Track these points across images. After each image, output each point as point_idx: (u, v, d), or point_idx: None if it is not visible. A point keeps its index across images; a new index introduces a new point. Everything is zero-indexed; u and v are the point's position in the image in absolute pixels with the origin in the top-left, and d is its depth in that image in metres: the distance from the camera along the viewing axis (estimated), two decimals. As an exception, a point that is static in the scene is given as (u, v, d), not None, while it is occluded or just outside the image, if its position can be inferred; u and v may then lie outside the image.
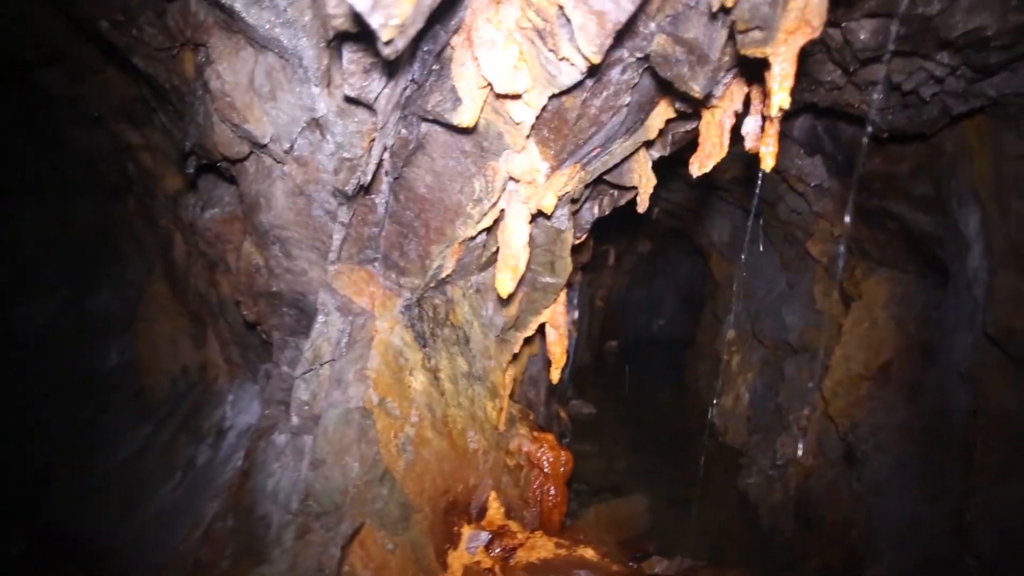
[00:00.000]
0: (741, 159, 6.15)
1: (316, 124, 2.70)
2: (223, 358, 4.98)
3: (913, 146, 4.22)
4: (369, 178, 2.69)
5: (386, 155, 2.74)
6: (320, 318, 3.26)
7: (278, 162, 2.95)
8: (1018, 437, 3.59)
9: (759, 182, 2.92)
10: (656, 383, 11.56)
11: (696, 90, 2.27)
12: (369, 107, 2.38)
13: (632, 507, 5.05)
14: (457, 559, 2.96)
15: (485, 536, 3.01)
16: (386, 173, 2.84)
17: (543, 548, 2.87)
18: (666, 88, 2.49)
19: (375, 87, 2.26)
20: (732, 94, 2.58)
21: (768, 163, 2.25)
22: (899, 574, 4.41)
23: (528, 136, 2.63)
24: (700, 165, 2.69)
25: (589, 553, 2.83)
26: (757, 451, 6.76)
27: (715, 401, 8.38)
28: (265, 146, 2.79)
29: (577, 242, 4.19)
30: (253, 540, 3.25)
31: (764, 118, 2.49)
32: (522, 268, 2.97)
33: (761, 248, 7.87)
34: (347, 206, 2.89)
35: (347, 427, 3.03)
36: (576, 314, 7.74)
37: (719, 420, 8.13)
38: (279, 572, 2.92)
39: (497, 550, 2.94)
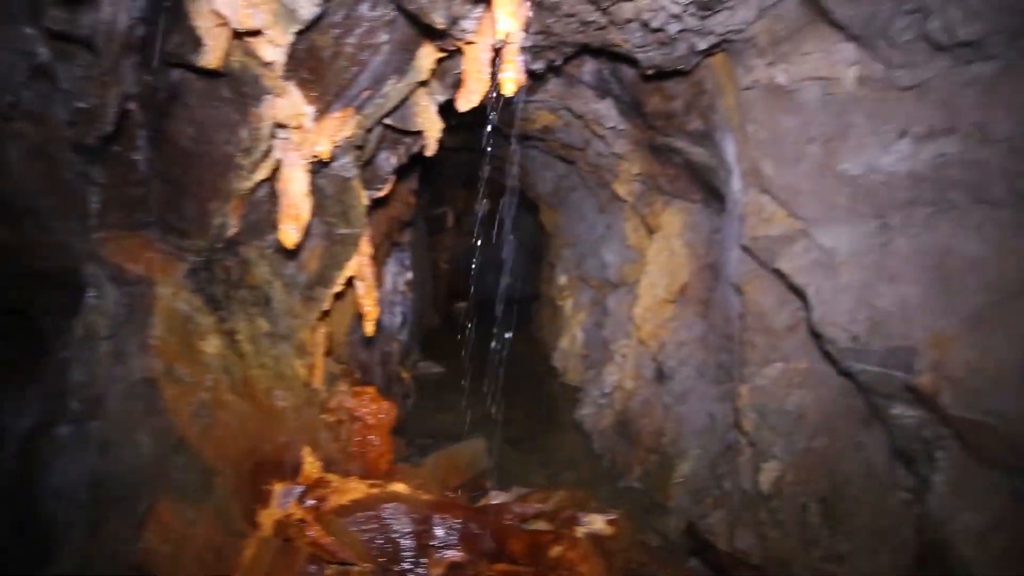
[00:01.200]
0: (548, 108, 6.45)
1: (42, 72, 2.43)
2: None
3: (682, 84, 4.67)
4: (111, 128, 2.48)
5: (133, 105, 2.55)
6: (91, 292, 3.00)
7: (6, 119, 2.63)
8: (771, 330, 4.21)
9: (506, 109, 3.08)
10: (504, 338, 11.98)
11: (439, 22, 2.35)
12: (89, 47, 2.19)
13: (469, 450, 5.24)
14: (268, 516, 2.93)
15: (298, 489, 3.00)
16: (139, 126, 2.64)
17: (356, 490, 2.92)
18: (415, 23, 2.54)
19: (86, 22, 2.08)
20: (486, 28, 2.69)
21: (509, 88, 2.39)
22: (701, 465, 5.04)
23: (286, 78, 2.57)
24: (466, 100, 2.80)
25: (400, 487, 2.93)
26: (591, 385, 7.28)
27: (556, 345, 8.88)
28: (-19, 100, 2.47)
29: (380, 194, 4.19)
30: (33, 549, 2.98)
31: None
32: (305, 217, 2.93)
33: (579, 195, 8.36)
34: (100, 164, 2.65)
35: (133, 402, 2.85)
36: (410, 275, 7.77)
37: (559, 362, 8.64)
38: (67, 572, 2.71)
39: (311, 501, 2.94)
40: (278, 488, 3.01)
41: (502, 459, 5.97)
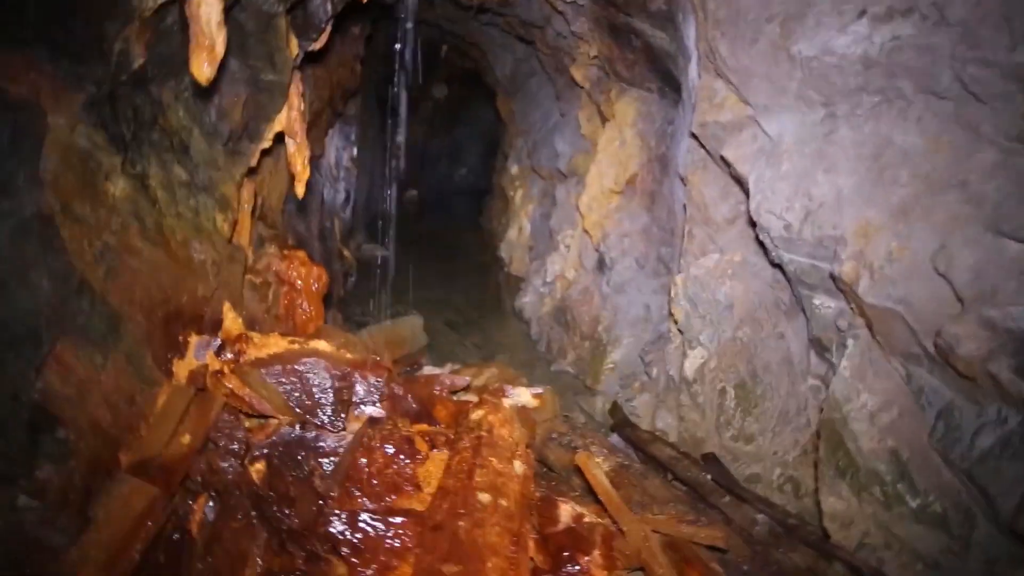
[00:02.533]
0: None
1: None
2: None
3: (649, -45, 4.35)
4: None
5: None
6: (-32, 115, 2.69)
7: None
8: (711, 222, 4.22)
9: None
10: (455, 229, 11.84)
11: None
12: None
13: (407, 326, 5.22)
14: (184, 367, 2.86)
15: (215, 343, 2.91)
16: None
17: (275, 345, 2.86)
18: None
19: None
20: None
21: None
22: (632, 353, 5.20)
23: None
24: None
25: (322, 345, 2.88)
26: (534, 275, 7.31)
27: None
28: None
29: (316, 45, 3.85)
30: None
31: None
32: (219, 50, 2.65)
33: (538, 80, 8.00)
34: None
35: (26, 239, 2.63)
36: (355, 151, 7.42)
37: (505, 252, 8.61)
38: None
39: (229, 355, 2.87)
40: (194, 340, 2.92)
41: (440, 340, 6.04)
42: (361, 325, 6.16)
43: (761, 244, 3.66)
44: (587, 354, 5.58)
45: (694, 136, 4.14)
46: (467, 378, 4.10)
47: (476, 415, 3.06)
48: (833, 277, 2.95)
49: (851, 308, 3.01)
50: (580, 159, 6.71)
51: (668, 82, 5.26)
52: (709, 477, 3.44)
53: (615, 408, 4.52)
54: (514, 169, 8.56)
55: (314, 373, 2.76)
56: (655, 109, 5.52)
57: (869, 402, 2.86)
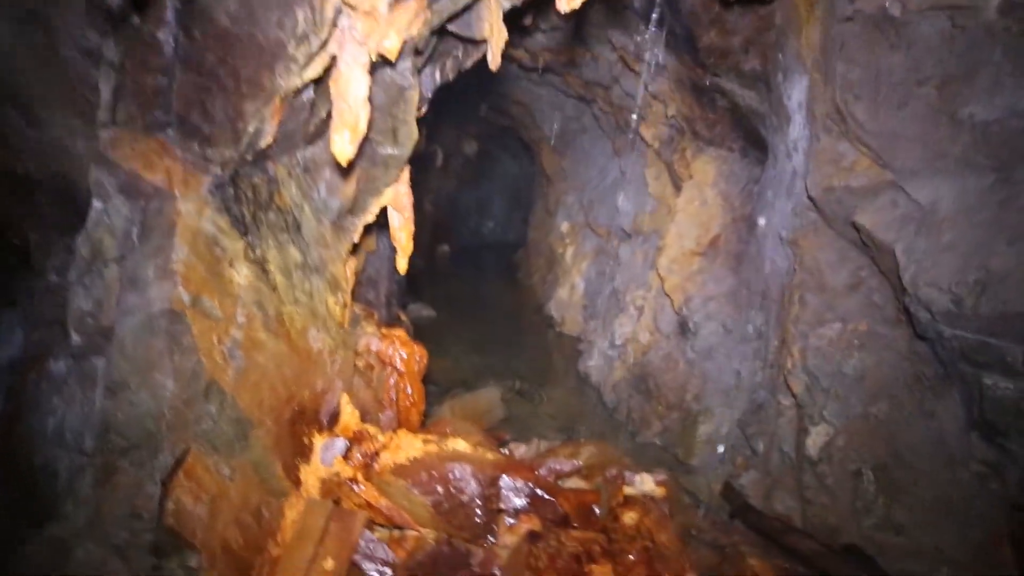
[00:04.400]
0: (580, 40, 5.91)
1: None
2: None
3: (747, 17, 4.25)
4: None
5: (164, -40, 2.00)
6: (97, 204, 2.48)
7: (-8, -28, 2.04)
8: (827, 289, 3.97)
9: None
10: (491, 284, 11.63)
11: None
12: None
13: (486, 398, 4.95)
14: (312, 473, 2.55)
15: (342, 444, 2.62)
16: (168, -12, 2.09)
17: (410, 447, 2.56)
18: None
19: None
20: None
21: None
22: (728, 424, 4.86)
23: (364, -56, 2.05)
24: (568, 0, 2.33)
25: (462, 445, 2.59)
26: (595, 335, 7.02)
27: (552, 294, 8.56)
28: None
29: (419, 115, 3.68)
30: (33, 496, 2.54)
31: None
32: (363, 127, 2.45)
33: (585, 138, 7.91)
34: (115, 39, 2.10)
35: (152, 337, 2.38)
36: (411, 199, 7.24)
37: (555, 312, 8.35)
38: (76, 528, 2.30)
39: (358, 457, 2.57)
40: (319, 441, 2.63)
41: (511, 409, 5.71)
42: (431, 395, 5.86)
43: (905, 314, 3.40)
44: (675, 425, 5.24)
45: (811, 199, 3.93)
46: (572, 460, 3.78)
47: (629, 518, 2.74)
48: (1026, 359, 2.67)
49: (1041, 391, 2.72)
50: (646, 217, 6.53)
51: (752, 141, 5.11)
52: (869, 577, 3.09)
53: (729, 490, 4.17)
54: (564, 226, 8.38)
55: (462, 480, 2.46)
56: (737, 168, 5.35)
57: (1082, 501, 2.54)
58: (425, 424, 3.78)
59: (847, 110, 3.44)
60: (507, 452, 4.23)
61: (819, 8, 3.64)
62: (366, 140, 3.08)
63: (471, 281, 11.63)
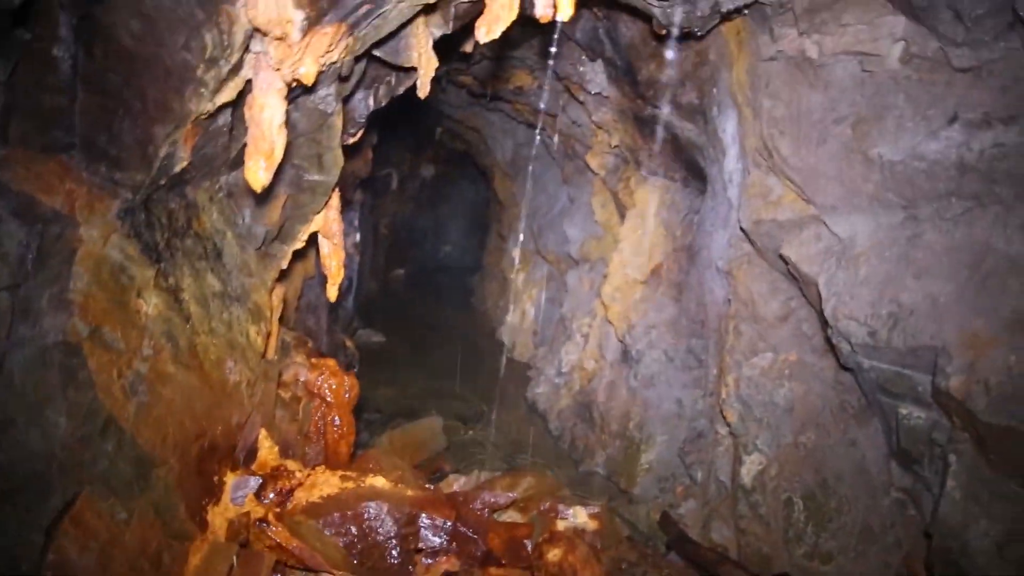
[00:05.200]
0: (526, 67, 5.98)
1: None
2: None
3: (683, 52, 4.36)
4: (16, 2, 1.85)
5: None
6: (-12, 228, 2.34)
7: None
8: (760, 319, 4.04)
9: (555, 38, 2.65)
10: (445, 308, 11.53)
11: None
12: None
13: (426, 429, 4.84)
14: (220, 514, 2.43)
15: (254, 482, 2.51)
16: (62, 6, 2.01)
17: (326, 484, 2.47)
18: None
19: None
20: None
21: (566, 11, 1.97)
22: (669, 453, 4.87)
23: (274, -30, 2.02)
24: (488, 30, 2.34)
25: (380, 482, 2.51)
26: (544, 362, 7.00)
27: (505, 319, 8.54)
28: None
29: (352, 140, 3.64)
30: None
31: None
32: (278, 154, 2.40)
33: (536, 165, 7.98)
34: (1, 55, 2.01)
35: (45, 371, 2.25)
36: (358, 237, 7.17)
37: (507, 337, 8.31)
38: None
39: (271, 495, 2.46)
40: (231, 479, 2.51)
41: (454, 437, 5.61)
42: (371, 424, 5.72)
43: (829, 344, 3.47)
44: (618, 454, 5.23)
45: (743, 231, 4.01)
46: (508, 493, 3.71)
47: (553, 555, 2.68)
48: (937, 389, 2.74)
49: (952, 422, 2.79)
50: (593, 244, 6.58)
51: (693, 172, 5.22)
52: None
53: (666, 520, 4.15)
54: (515, 252, 8.40)
55: (377, 519, 2.37)
56: (679, 198, 5.45)
57: (992, 531, 2.60)
58: (356, 456, 3.67)
59: (773, 145, 3.54)
60: (443, 484, 4.14)
61: (747, 46, 3.76)
62: (290, 166, 3.02)
63: (425, 306, 11.52)
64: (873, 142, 2.95)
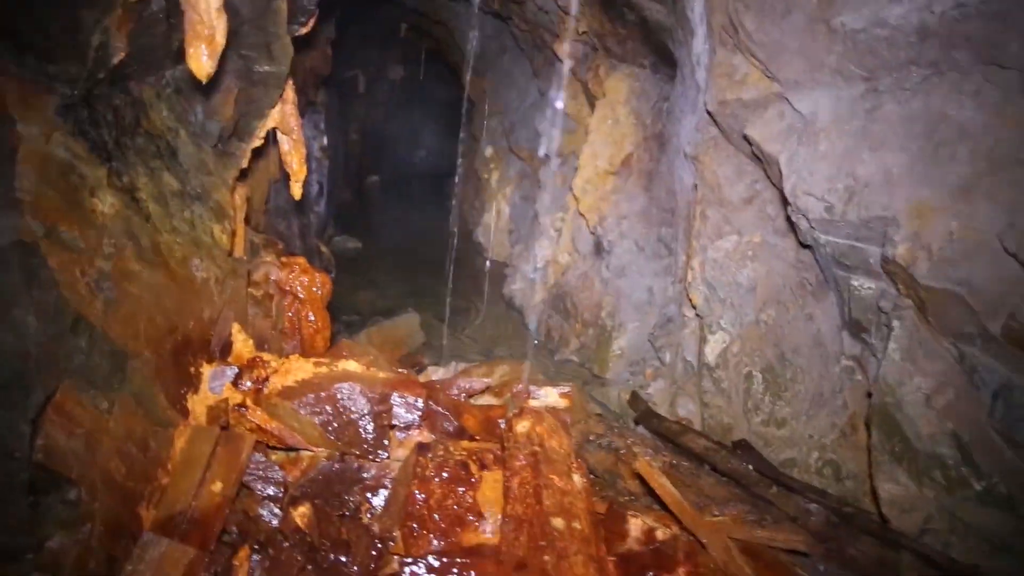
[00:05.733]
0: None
1: None
2: None
3: (648, -78, 4.12)
4: None
5: None
6: (-77, 129, 2.27)
7: None
8: (725, 203, 4.09)
9: None
10: (421, 214, 11.47)
11: None
12: None
13: (405, 325, 4.97)
14: (200, 402, 2.54)
15: (231, 371, 2.61)
16: None
17: (300, 370, 2.57)
18: None
19: None
20: None
21: None
22: (640, 338, 5.08)
23: None
24: None
25: (352, 366, 2.61)
26: (519, 260, 7.09)
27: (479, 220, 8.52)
28: None
29: (304, 30, 3.48)
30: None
31: None
32: (220, 39, 2.30)
33: (511, 58, 7.69)
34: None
35: (4, 272, 2.25)
36: (326, 140, 6.99)
37: (483, 238, 8.34)
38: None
39: (248, 384, 2.57)
40: (208, 370, 2.61)
41: (433, 335, 5.77)
42: (350, 325, 5.85)
43: (790, 224, 3.55)
44: (591, 342, 5.43)
45: (709, 114, 3.98)
46: (485, 380, 3.88)
47: (522, 427, 2.85)
48: (885, 259, 2.85)
49: (897, 289, 2.92)
50: (565, 138, 6.48)
51: (663, 57, 5.08)
52: (751, 467, 3.36)
53: (635, 398, 4.39)
54: (488, 151, 8.26)
55: (350, 399, 2.49)
56: (649, 85, 5.34)
57: (923, 385, 2.80)
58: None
59: (738, 20, 3.44)
60: (421, 376, 4.31)
61: (714, -87, 3.56)
62: (237, 56, 2.91)
63: (401, 211, 11.45)
64: (837, 10, 2.88)
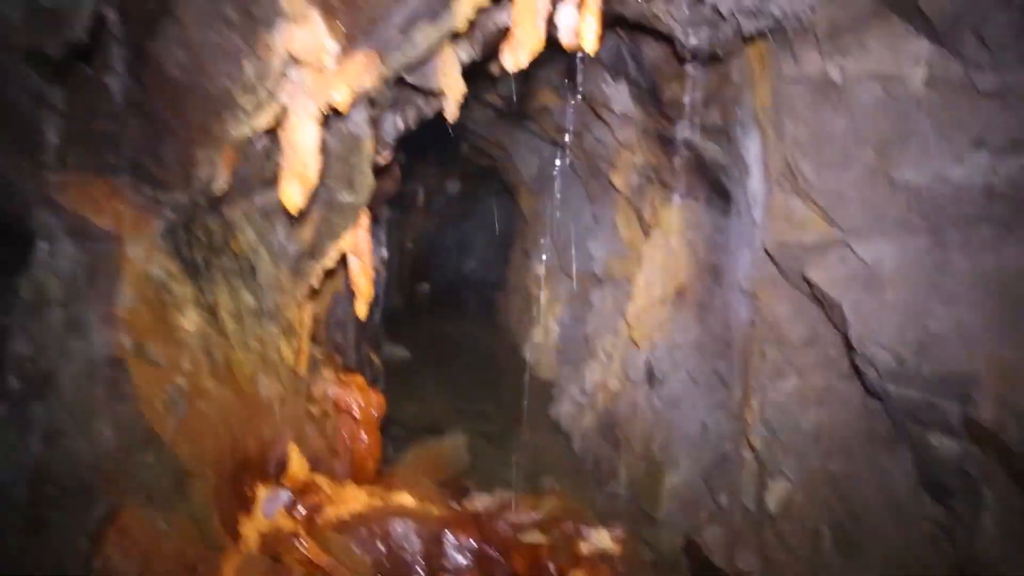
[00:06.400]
0: (551, 87, 6.07)
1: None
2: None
3: (708, 73, 4.39)
4: (85, 36, 1.98)
5: (111, 12, 2.03)
6: (43, 245, 2.47)
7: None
8: (785, 342, 4.01)
9: (579, 68, 2.72)
10: (469, 323, 11.62)
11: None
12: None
13: (450, 446, 4.89)
14: (252, 526, 2.50)
15: (286, 495, 2.58)
16: (117, 42, 2.13)
17: (355, 500, 2.53)
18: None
19: None
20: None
21: (590, 42, 2.03)
22: (693, 476, 4.84)
23: (310, 1, 2.12)
24: (514, 58, 2.41)
25: (407, 499, 2.56)
26: (567, 381, 7.01)
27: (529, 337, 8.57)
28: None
29: (382, 162, 3.75)
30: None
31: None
32: (313, 177, 2.49)
33: (564, 182, 8.05)
34: (62, 87, 2.13)
35: (93, 384, 2.35)
36: (385, 253, 7.28)
37: (530, 354, 8.34)
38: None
39: (302, 510, 2.53)
40: (262, 492, 2.58)
41: (478, 455, 5.64)
42: (396, 439, 5.78)
43: (855, 370, 3.44)
44: (641, 475, 5.20)
45: (767, 252, 4.01)
46: (531, 514, 3.74)
47: (575, 576, 2.69)
48: (967, 419, 2.70)
49: (985, 454, 2.74)
50: (618, 263, 6.60)
51: (718, 192, 5.23)
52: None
53: (691, 547, 4.12)
54: (539, 269, 8.45)
55: (404, 538, 2.42)
56: (704, 218, 5.45)
57: (1028, 566, 2.54)
58: (382, 472, 3.73)
59: (797, 167, 3.54)
60: (465, 504, 4.17)
61: (770, 68, 3.78)
62: (323, 187, 3.12)
63: (449, 321, 11.62)
64: (898, 166, 2.95)
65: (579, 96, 5.58)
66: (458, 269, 14.57)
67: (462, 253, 14.92)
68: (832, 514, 3.56)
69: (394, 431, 6.05)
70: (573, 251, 7.70)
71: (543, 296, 8.37)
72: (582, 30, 2.05)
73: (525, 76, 5.72)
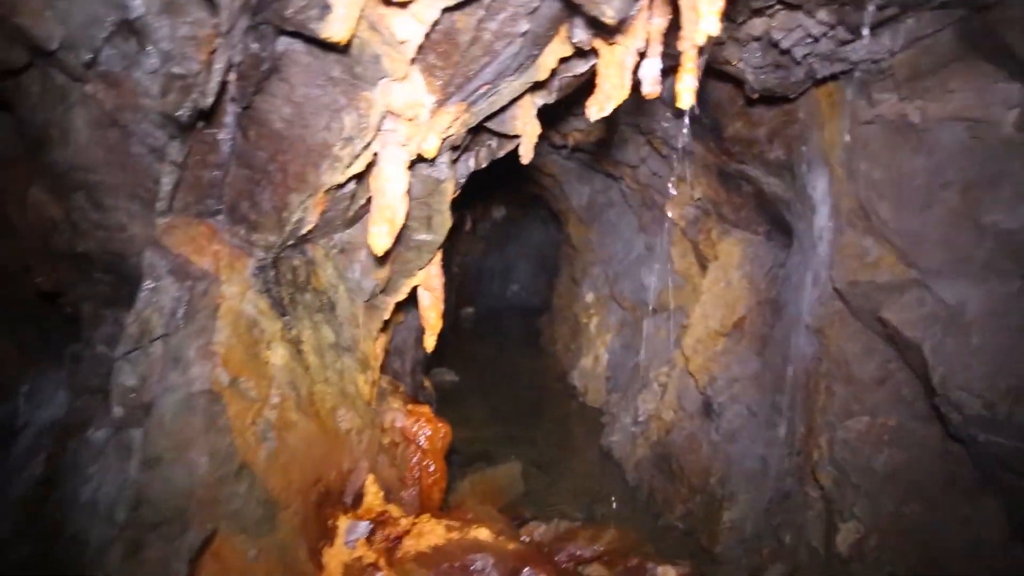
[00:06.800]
0: (605, 121, 6.14)
1: (130, 28, 2.07)
2: (11, 341, 4.00)
3: (772, 111, 4.40)
4: (211, 101, 2.12)
5: (232, 75, 2.19)
6: (148, 284, 2.62)
7: (76, 80, 2.25)
8: (854, 380, 3.93)
9: (685, 121, 2.76)
10: (514, 348, 11.65)
11: (609, 15, 2.03)
12: (208, 0, 1.84)
13: (505, 474, 4.92)
14: (334, 557, 2.57)
15: (365, 526, 2.64)
16: (232, 100, 2.28)
17: (433, 533, 2.58)
18: (571, 11, 2.22)
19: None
20: (636, 30, 2.38)
21: (686, 100, 2.08)
22: (754, 512, 4.74)
23: (412, 61, 2.23)
24: (599, 107, 2.48)
25: (483, 534, 2.59)
26: (618, 409, 6.97)
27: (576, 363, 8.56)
28: (53, 54, 2.10)
29: (453, 197, 3.85)
30: (63, 564, 2.59)
31: (671, 58, 2.32)
32: (400, 221, 2.59)
33: (614, 212, 8.08)
34: (180, 141, 2.29)
35: (190, 415, 2.47)
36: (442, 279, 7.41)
37: (578, 382, 8.32)
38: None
39: (380, 541, 2.59)
40: (343, 523, 2.66)
41: (531, 483, 5.64)
42: (453, 467, 5.83)
43: (935, 412, 3.35)
44: (699, 509, 5.12)
45: (836, 290, 3.95)
46: (592, 546, 3.73)
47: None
48: (1062, 472, 2.60)
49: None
50: (671, 294, 6.56)
51: (777, 226, 5.18)
52: None
53: (755, 586, 4.02)
54: (589, 296, 8.45)
55: (483, 573, 2.45)
56: (763, 251, 5.40)
57: None
58: (447, 500, 3.78)
59: (871, 207, 3.51)
60: (526, 534, 4.17)
61: (840, 108, 3.76)
62: (403, 227, 3.23)
63: (495, 345, 11.67)
64: (986, 209, 2.89)
65: (636, 128, 5.62)
66: (502, 293, 14.68)
67: (506, 278, 15.04)
68: (908, 559, 3.45)
69: (451, 457, 6.11)
70: (624, 280, 7.70)
71: (592, 324, 8.37)
72: (679, 90, 2.10)
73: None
